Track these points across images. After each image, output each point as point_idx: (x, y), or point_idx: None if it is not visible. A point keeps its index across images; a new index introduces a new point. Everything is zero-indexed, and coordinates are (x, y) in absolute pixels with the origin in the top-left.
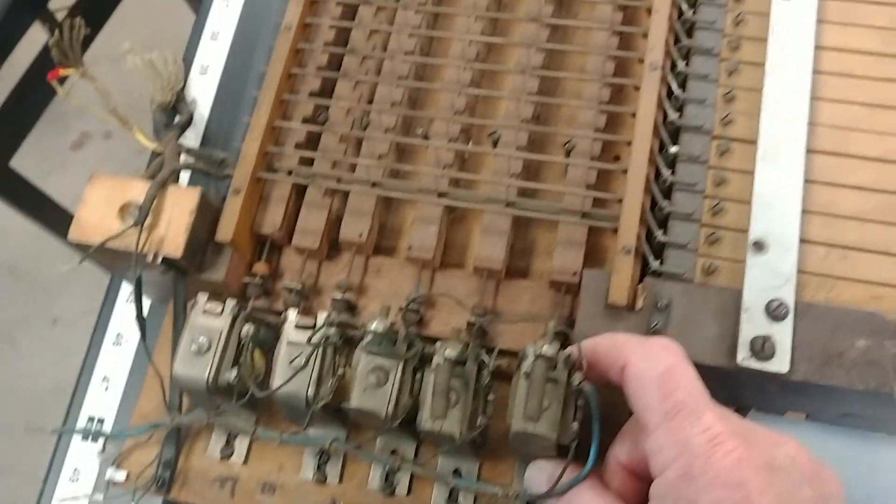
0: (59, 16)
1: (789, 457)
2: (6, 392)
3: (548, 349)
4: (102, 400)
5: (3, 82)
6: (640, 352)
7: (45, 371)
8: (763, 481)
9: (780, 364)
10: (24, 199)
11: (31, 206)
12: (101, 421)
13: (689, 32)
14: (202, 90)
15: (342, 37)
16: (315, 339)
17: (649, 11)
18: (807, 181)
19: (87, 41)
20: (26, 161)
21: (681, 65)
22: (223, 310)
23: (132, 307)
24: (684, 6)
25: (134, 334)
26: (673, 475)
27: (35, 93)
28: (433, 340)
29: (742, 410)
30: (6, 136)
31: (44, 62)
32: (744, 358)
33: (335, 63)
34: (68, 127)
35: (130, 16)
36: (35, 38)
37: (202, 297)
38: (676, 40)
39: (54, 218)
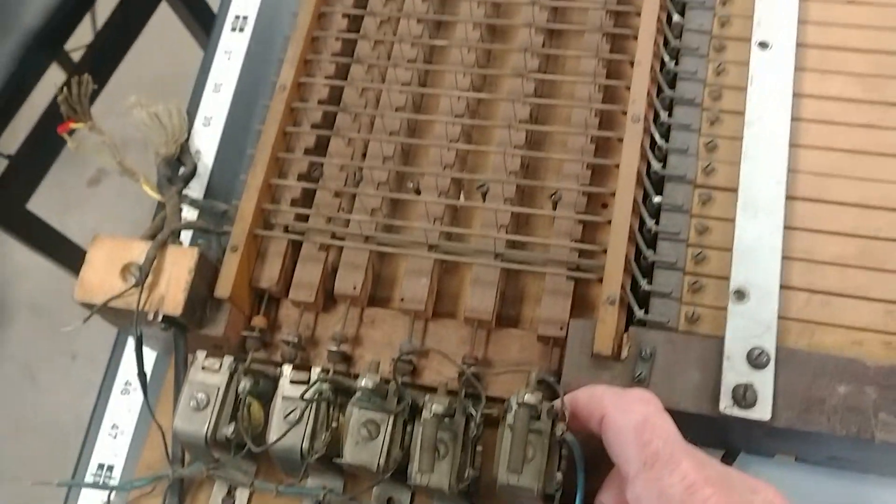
0: (76, 56)
1: (767, 503)
2: (29, 428)
3: (529, 397)
4: (111, 448)
5: (21, 123)
6: (617, 403)
7: (67, 405)
8: None
9: (762, 412)
10: (41, 239)
11: (48, 247)
12: (110, 468)
13: (672, 83)
14: (206, 141)
15: (335, 95)
16: (308, 395)
17: (632, 64)
18: (788, 228)
19: (98, 89)
20: (46, 199)
21: (664, 115)
22: (221, 366)
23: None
24: (666, 58)
25: None
26: None
27: (51, 135)
28: (426, 390)
29: (732, 454)
30: (24, 179)
31: (58, 106)
32: (726, 406)
33: (328, 121)
34: (86, 164)
35: (138, 60)
36: (52, 80)
37: (201, 354)
38: (659, 91)
39: (72, 257)
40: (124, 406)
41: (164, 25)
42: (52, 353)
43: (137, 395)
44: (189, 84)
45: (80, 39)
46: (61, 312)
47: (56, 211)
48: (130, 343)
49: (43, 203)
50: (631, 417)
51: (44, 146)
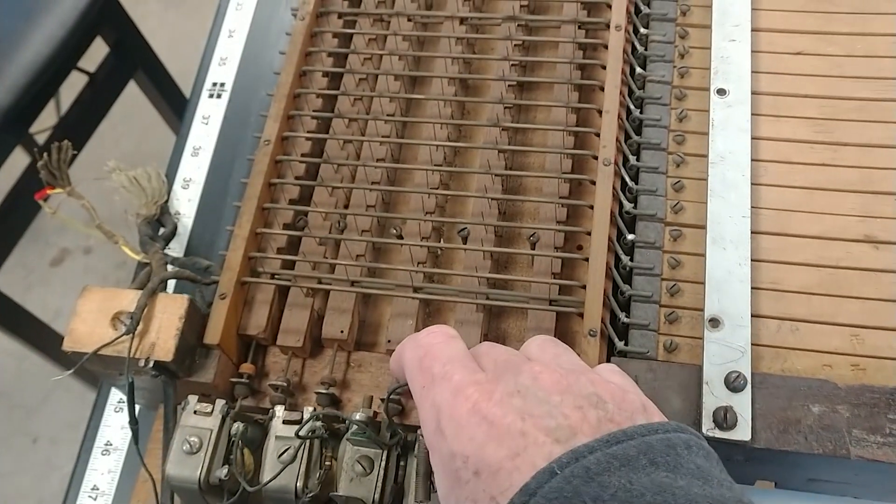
0: (40, 138)
1: (532, 376)
2: None
3: None
4: None
5: None
6: (410, 345)
7: (27, 491)
8: (504, 408)
9: (742, 433)
10: (5, 316)
11: (12, 324)
12: None
13: (638, 130)
14: (185, 203)
15: (317, 148)
16: (302, 433)
17: (600, 112)
18: (755, 260)
19: (70, 161)
20: (8, 278)
21: (632, 159)
22: (213, 409)
23: (120, 416)
24: (632, 106)
25: (122, 442)
26: (428, 432)
27: (15, 215)
28: (414, 430)
29: None
30: None
31: (24, 185)
32: (709, 429)
33: (311, 173)
34: (48, 243)
35: (111, 137)
36: (15, 163)
37: (193, 398)
38: (627, 137)
39: (36, 334)
40: (105, 467)
41: (133, 107)
42: (11, 435)
43: (118, 456)
44: (162, 164)
45: (42, 123)
46: (22, 394)
47: (18, 290)
48: (111, 403)
49: (5, 283)
50: (417, 352)
51: (7, 226)
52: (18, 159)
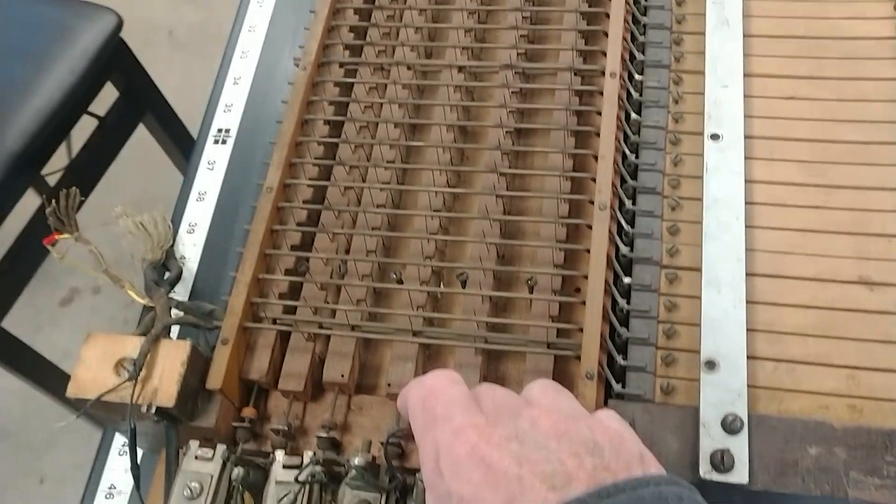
0: (51, 180)
1: (531, 421)
2: None
3: None
4: None
5: None
6: (415, 386)
7: None
8: (502, 452)
9: (740, 475)
10: (14, 357)
11: (21, 365)
12: None
13: (634, 174)
14: (190, 247)
15: (318, 195)
16: (301, 477)
17: (596, 158)
18: (750, 302)
19: (77, 207)
20: (17, 317)
21: (628, 203)
22: (214, 455)
23: (124, 459)
24: (627, 151)
25: (126, 486)
26: (427, 471)
27: (26, 257)
28: (414, 473)
29: None
30: None
31: (34, 227)
32: (706, 471)
33: (313, 219)
34: (58, 283)
35: (120, 179)
36: (26, 204)
37: (194, 444)
38: (623, 182)
39: (44, 375)
40: None
41: (141, 150)
42: (19, 476)
43: (122, 499)
44: (168, 209)
45: (53, 165)
46: (27, 434)
47: (28, 330)
48: (114, 447)
49: (15, 321)
50: (420, 392)
51: (18, 268)
52: (30, 201)
